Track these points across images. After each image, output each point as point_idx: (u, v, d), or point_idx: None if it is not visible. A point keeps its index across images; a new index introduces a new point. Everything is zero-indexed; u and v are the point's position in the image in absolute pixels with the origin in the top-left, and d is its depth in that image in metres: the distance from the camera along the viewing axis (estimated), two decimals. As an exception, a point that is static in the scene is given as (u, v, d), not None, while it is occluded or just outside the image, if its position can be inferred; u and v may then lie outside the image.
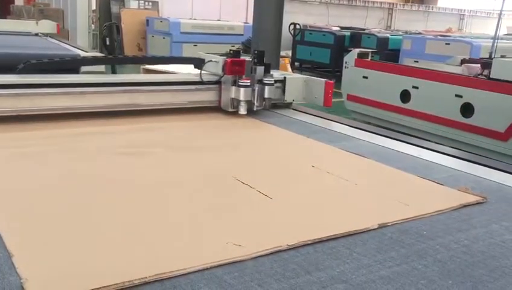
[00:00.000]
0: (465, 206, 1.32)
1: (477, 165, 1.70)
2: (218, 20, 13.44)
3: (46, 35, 5.01)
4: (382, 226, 1.16)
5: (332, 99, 2.54)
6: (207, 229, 1.11)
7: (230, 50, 2.32)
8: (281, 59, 8.04)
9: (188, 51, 10.74)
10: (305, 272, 0.94)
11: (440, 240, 1.12)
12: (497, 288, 0.93)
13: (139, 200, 1.26)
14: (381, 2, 18.38)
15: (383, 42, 10.94)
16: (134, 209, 1.20)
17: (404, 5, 19.35)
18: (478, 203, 1.35)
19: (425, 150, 1.90)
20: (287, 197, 1.33)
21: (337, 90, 7.34)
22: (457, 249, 1.08)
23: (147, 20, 12.27)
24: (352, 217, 1.22)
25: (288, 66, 9.65)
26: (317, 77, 2.76)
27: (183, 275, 0.90)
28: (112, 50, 5.29)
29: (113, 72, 4.01)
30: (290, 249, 1.02)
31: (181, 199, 1.28)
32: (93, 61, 2.66)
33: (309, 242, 1.05)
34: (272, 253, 1.00)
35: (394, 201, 1.34)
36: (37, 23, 5.31)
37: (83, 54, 3.49)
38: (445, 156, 1.81)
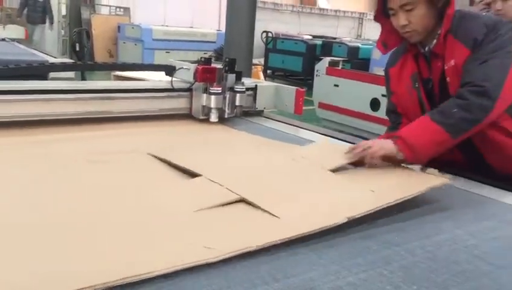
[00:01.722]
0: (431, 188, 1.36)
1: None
2: (191, 27, 13.42)
3: (14, 40, 4.91)
4: (351, 219, 1.17)
5: (304, 107, 2.57)
6: (176, 232, 1.10)
7: (201, 57, 2.32)
8: (253, 67, 8.07)
9: (160, 58, 10.67)
10: (274, 280, 0.95)
11: (406, 245, 1.14)
12: (459, 292, 0.96)
13: (109, 206, 1.24)
14: (351, 12, 18.69)
15: (353, 51, 11.10)
16: (105, 214, 1.19)
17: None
18: (444, 208, 1.39)
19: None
20: (257, 199, 1.33)
21: (309, 98, 7.41)
22: (422, 255, 1.10)
23: (119, 27, 12.14)
24: (322, 213, 1.22)
25: (261, 73, 9.70)
26: (289, 84, 2.79)
27: (148, 279, 0.89)
28: (82, 56, 5.21)
29: (83, 78, 3.95)
30: (259, 255, 1.02)
31: (150, 204, 1.27)
32: (62, 67, 2.61)
33: (279, 242, 1.05)
34: (240, 259, 1.00)
35: (363, 192, 1.35)
36: (3, 27, 5.19)
37: (51, 60, 3.43)
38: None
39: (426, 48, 1.69)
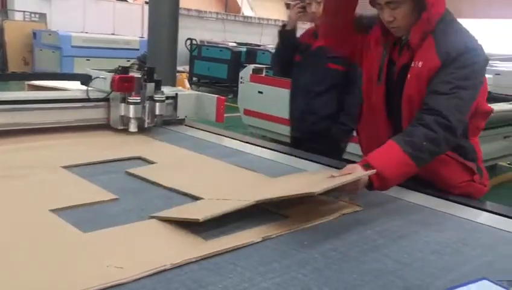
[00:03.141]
0: (343, 214, 1.41)
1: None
2: (113, 34, 13.05)
3: None
4: (266, 239, 1.20)
5: (230, 114, 2.58)
6: (87, 253, 1.07)
7: (119, 66, 2.27)
8: (178, 74, 7.98)
9: (80, 66, 10.24)
10: (188, 290, 0.95)
11: (319, 248, 1.18)
12: (366, 291, 1.01)
13: (15, 225, 1.18)
14: (275, 20, 19.03)
15: (277, 58, 11.29)
16: (10, 234, 1.13)
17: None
18: (355, 211, 1.45)
19: (313, 163, 1.99)
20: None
21: (235, 105, 7.45)
22: (334, 257, 1.15)
23: (34, 33, 11.58)
24: (237, 232, 1.24)
25: (186, 81, 9.62)
26: (215, 92, 2.80)
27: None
28: (-8, 65, 4.90)
29: (-7, 88, 3.72)
30: (174, 268, 1.02)
31: (60, 222, 1.22)
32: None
33: (194, 260, 1.06)
34: (155, 273, 0.99)
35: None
36: None
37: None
38: (325, 167, 1.91)
39: (403, 37, 1.70)
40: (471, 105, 1.61)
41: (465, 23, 1.77)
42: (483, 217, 1.50)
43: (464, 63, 1.57)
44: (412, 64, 1.64)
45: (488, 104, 1.77)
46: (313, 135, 2.68)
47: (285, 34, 2.81)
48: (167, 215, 1.29)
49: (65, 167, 1.69)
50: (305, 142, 2.59)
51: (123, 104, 2.22)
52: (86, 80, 2.32)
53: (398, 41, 1.74)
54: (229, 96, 9.55)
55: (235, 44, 13.13)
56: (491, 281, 1.05)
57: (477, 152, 1.77)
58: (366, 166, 1.48)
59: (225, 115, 2.54)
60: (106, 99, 2.27)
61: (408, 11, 1.63)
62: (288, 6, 2.87)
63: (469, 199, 1.65)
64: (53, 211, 1.29)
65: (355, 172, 1.45)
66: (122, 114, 2.23)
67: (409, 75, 1.65)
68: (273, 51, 12.24)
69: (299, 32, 2.85)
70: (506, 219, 1.49)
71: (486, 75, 1.72)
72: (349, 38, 1.86)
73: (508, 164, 6.25)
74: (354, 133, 2.26)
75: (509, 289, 1.01)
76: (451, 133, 1.55)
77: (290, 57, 2.82)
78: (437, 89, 1.57)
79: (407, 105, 1.67)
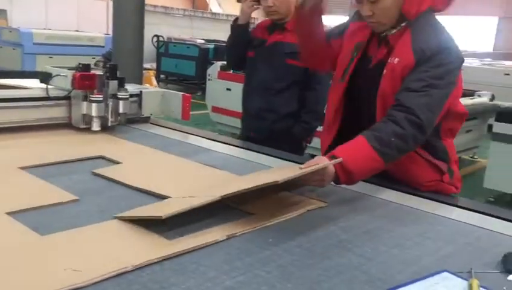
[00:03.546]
0: (308, 211, 1.41)
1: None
2: (77, 30, 12.77)
3: None
4: (230, 237, 1.19)
5: (199, 111, 2.55)
6: (44, 256, 1.03)
7: (79, 63, 2.21)
8: (145, 72, 7.88)
9: (43, 64, 9.93)
10: (149, 292, 0.93)
11: (284, 245, 1.18)
12: (330, 286, 1.00)
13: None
14: (243, 16, 19.03)
15: (245, 55, 11.27)
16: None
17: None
18: (321, 207, 1.45)
19: (279, 160, 1.99)
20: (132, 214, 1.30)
21: (204, 102, 7.40)
22: (299, 253, 1.14)
23: (-6, 30, 11.23)
24: (201, 231, 1.22)
25: (153, 78, 9.50)
26: (183, 89, 2.76)
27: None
28: None
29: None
30: (135, 269, 1.00)
31: (16, 226, 1.18)
32: None
33: (156, 261, 1.04)
34: (115, 275, 0.96)
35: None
36: None
37: None
38: (292, 163, 1.91)
39: (384, 33, 1.70)
40: (443, 104, 1.61)
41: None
42: (445, 210, 1.53)
43: (439, 62, 1.57)
44: (389, 60, 1.64)
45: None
46: (273, 134, 2.63)
47: (238, 28, 2.74)
48: (130, 215, 1.27)
49: (23, 168, 1.63)
50: (262, 142, 2.38)
51: (85, 103, 2.16)
52: (45, 77, 2.25)
53: (376, 37, 1.74)
54: (198, 94, 9.49)
55: (202, 41, 13.04)
56: (451, 273, 1.07)
57: (449, 154, 1.78)
58: (333, 158, 1.48)
59: (193, 112, 2.51)
60: (67, 98, 2.21)
61: (388, 4, 1.62)
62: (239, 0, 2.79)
63: (433, 193, 1.67)
64: (9, 213, 1.24)
65: (322, 163, 1.45)
66: (84, 112, 2.17)
67: (385, 71, 1.64)
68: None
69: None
70: (467, 211, 1.52)
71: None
72: (322, 52, 1.89)
73: (470, 157, 6.43)
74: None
75: (468, 279, 1.03)
76: (420, 131, 1.55)
77: (242, 53, 2.76)
78: (409, 86, 1.58)
79: (380, 101, 1.66)
